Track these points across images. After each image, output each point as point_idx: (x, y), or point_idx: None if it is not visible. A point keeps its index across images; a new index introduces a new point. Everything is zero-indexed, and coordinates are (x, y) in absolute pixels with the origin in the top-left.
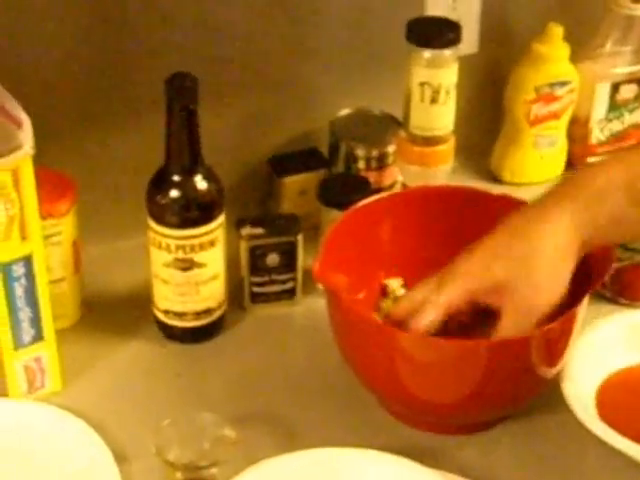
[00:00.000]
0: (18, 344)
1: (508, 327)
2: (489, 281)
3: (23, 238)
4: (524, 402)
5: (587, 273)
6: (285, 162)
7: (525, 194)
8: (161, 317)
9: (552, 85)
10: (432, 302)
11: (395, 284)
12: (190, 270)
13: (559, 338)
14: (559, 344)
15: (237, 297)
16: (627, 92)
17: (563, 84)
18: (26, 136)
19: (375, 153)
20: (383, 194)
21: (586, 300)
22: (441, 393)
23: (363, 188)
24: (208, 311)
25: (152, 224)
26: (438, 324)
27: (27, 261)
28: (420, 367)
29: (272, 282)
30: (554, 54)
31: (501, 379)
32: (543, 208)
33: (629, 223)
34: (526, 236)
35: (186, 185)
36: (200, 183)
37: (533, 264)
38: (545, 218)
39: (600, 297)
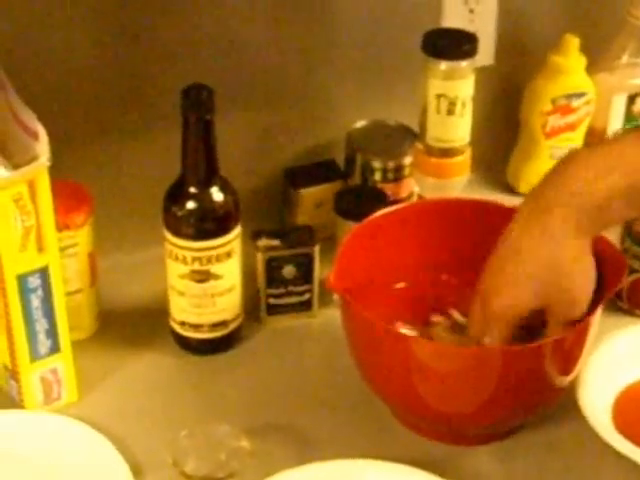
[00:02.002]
0: (34, 356)
1: (558, 331)
2: (527, 314)
3: (39, 250)
4: (537, 411)
5: (601, 283)
6: (301, 174)
7: None
8: (177, 329)
9: (568, 97)
10: (489, 342)
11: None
12: (206, 282)
13: (573, 347)
14: (573, 353)
15: (253, 309)
16: None
17: (579, 96)
18: (42, 148)
19: (391, 165)
20: (399, 205)
21: (600, 309)
22: (456, 401)
23: (379, 200)
24: (224, 323)
25: (168, 236)
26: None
27: (43, 273)
28: (435, 375)
29: (288, 294)
30: (570, 66)
31: (515, 387)
32: (547, 223)
33: (630, 218)
34: (539, 255)
35: (202, 197)
36: (216, 195)
37: (566, 287)
38: (552, 232)
39: (617, 309)
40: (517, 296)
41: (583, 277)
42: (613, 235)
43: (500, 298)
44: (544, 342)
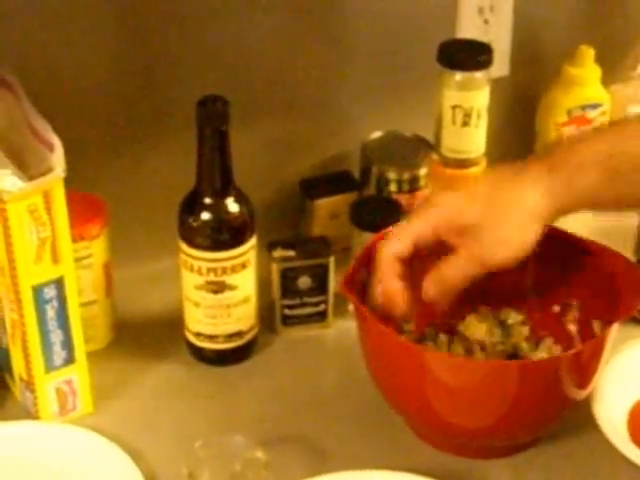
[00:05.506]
0: (50, 366)
1: (453, 266)
2: (457, 222)
3: (55, 261)
4: (554, 424)
5: (617, 299)
6: (317, 185)
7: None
8: (192, 339)
9: (584, 108)
10: (401, 229)
11: None
12: (221, 293)
13: (589, 361)
14: (589, 367)
15: (268, 320)
16: None
17: (595, 107)
18: (58, 159)
19: (407, 176)
20: None
21: (616, 324)
22: (471, 415)
23: (395, 211)
24: (239, 334)
25: (183, 247)
26: (406, 253)
27: (58, 284)
28: (450, 388)
29: (303, 305)
30: (586, 76)
31: (531, 400)
32: (522, 174)
33: (601, 198)
34: (504, 194)
35: (218, 207)
36: (232, 205)
37: (504, 219)
38: (523, 184)
39: (631, 320)
40: (455, 206)
41: (521, 232)
42: (627, 245)
43: (445, 200)
44: (561, 355)
